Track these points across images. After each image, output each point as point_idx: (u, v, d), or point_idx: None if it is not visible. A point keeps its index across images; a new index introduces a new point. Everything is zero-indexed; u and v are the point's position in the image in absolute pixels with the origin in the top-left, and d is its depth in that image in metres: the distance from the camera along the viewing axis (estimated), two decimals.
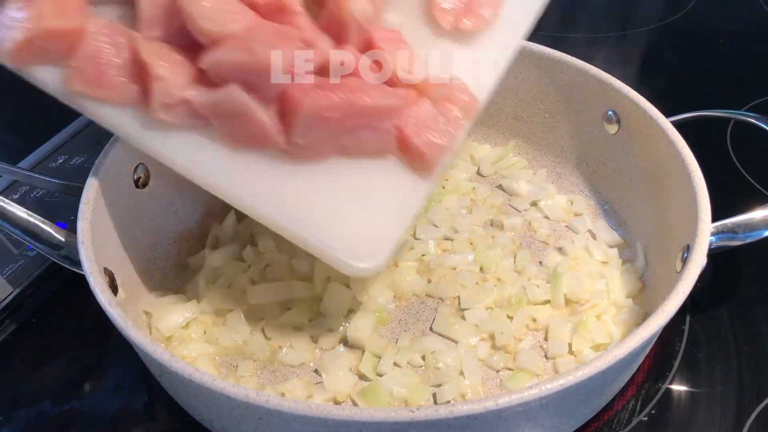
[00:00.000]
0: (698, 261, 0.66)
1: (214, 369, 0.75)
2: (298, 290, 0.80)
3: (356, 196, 0.68)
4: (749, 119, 0.88)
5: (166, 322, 0.76)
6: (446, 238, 0.88)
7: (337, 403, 0.71)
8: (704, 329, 0.81)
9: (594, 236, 0.89)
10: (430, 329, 0.79)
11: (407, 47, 0.71)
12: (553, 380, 0.56)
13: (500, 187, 0.97)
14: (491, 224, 0.92)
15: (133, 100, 0.67)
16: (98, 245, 0.72)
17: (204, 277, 0.82)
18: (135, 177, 0.83)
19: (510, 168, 0.99)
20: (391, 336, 0.78)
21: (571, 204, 0.93)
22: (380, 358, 0.75)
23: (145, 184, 0.85)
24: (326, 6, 0.68)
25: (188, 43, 0.65)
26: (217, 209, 0.90)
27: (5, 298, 0.83)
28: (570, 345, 0.76)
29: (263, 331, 0.77)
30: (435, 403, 0.71)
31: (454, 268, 0.84)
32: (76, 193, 0.75)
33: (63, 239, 0.74)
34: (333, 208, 0.67)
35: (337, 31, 0.68)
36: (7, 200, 0.74)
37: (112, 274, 0.74)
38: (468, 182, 0.97)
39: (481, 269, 0.84)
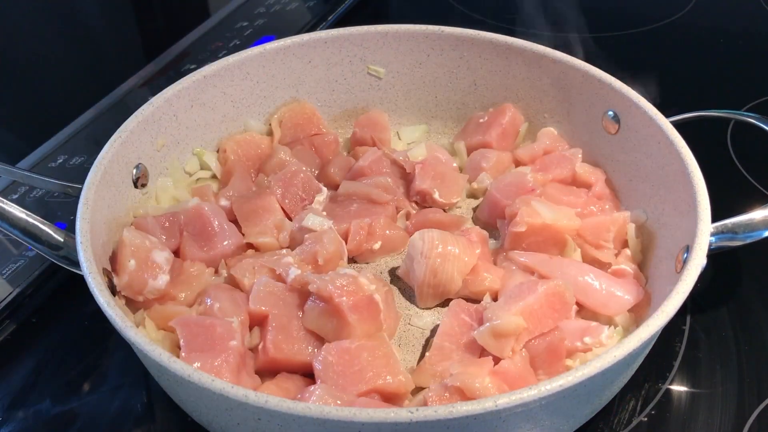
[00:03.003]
0: (698, 261, 0.66)
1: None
2: None
3: None
4: (749, 119, 0.88)
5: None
6: None
7: None
8: (704, 329, 0.81)
9: None
10: None
11: None
12: (553, 381, 0.56)
13: None
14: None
15: None
16: (97, 246, 0.72)
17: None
18: (134, 177, 0.83)
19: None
20: None
21: None
22: None
23: (143, 184, 0.85)
24: None
25: None
26: None
27: (5, 298, 0.82)
28: None
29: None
30: None
31: None
32: (76, 193, 0.75)
33: (62, 240, 0.74)
34: None
35: None
36: (6, 200, 0.74)
37: (111, 274, 0.74)
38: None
39: None
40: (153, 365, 0.66)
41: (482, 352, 0.71)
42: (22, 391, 0.77)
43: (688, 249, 0.69)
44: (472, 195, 0.95)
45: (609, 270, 0.80)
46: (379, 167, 0.91)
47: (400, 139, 1.04)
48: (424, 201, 0.92)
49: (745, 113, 0.90)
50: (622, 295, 0.76)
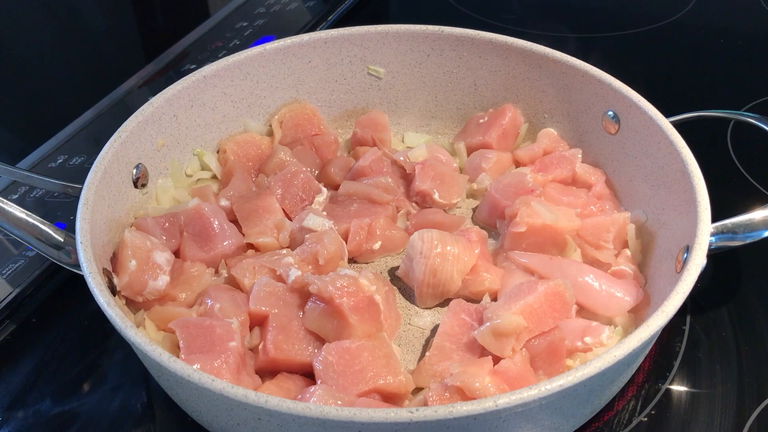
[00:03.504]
0: (698, 261, 0.66)
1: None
2: None
3: None
4: (749, 119, 0.87)
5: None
6: None
7: None
8: (704, 329, 0.81)
9: None
10: None
11: None
12: (553, 380, 0.56)
13: None
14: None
15: None
16: (97, 246, 0.72)
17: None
18: (134, 177, 0.83)
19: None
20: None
21: None
22: None
23: (144, 185, 0.85)
24: None
25: None
26: None
27: (5, 298, 0.82)
28: None
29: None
30: None
31: None
32: (76, 194, 0.75)
33: (62, 240, 0.74)
34: None
35: None
36: (6, 200, 0.74)
37: (111, 274, 0.74)
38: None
39: None
40: (153, 365, 0.66)
41: (482, 352, 0.71)
42: (22, 391, 0.77)
43: (688, 249, 0.69)
44: (472, 195, 0.95)
45: (609, 270, 0.80)
46: (380, 167, 0.92)
47: (403, 142, 1.04)
48: (424, 201, 0.92)
49: (745, 113, 0.90)
50: (621, 296, 0.76)
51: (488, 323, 0.69)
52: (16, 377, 0.78)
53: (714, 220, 0.71)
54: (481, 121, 0.98)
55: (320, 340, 0.72)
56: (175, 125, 0.89)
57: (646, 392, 0.75)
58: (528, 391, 0.55)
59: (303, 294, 0.74)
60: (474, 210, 0.93)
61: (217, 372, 0.64)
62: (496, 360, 0.69)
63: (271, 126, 0.99)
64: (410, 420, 0.54)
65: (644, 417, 0.73)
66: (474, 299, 0.78)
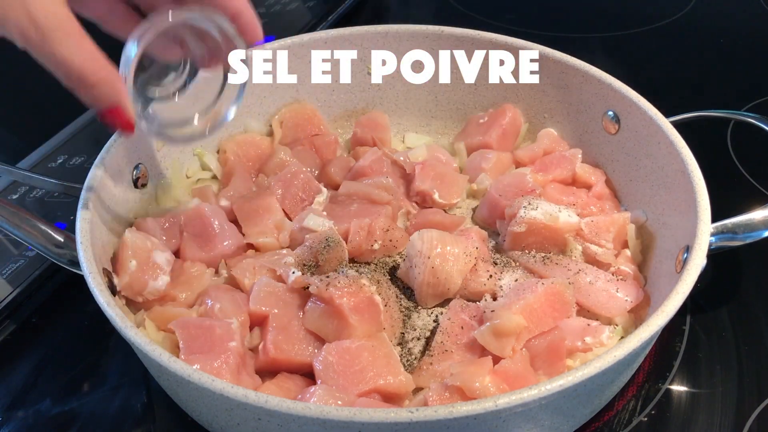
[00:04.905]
0: (698, 261, 0.66)
1: None
2: None
3: None
4: (749, 119, 0.88)
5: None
6: None
7: None
8: (704, 329, 0.81)
9: None
10: None
11: None
12: (553, 380, 0.56)
13: None
14: None
15: None
16: (97, 246, 0.72)
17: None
18: (134, 177, 0.83)
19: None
20: None
21: None
22: None
23: (144, 185, 0.85)
24: None
25: None
26: None
27: (5, 298, 0.82)
28: None
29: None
30: None
31: None
32: (76, 194, 0.75)
33: (62, 240, 0.74)
34: None
35: None
36: (6, 200, 0.74)
37: (111, 274, 0.74)
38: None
39: None
40: (153, 365, 0.66)
41: (482, 352, 0.71)
42: (22, 391, 0.77)
43: (688, 249, 0.69)
44: (472, 195, 0.95)
45: (609, 270, 0.80)
46: (380, 167, 0.92)
47: (403, 142, 1.04)
48: (424, 201, 0.92)
49: (745, 113, 0.90)
50: (622, 296, 0.76)
51: (488, 323, 0.69)
52: (16, 377, 0.78)
53: (714, 220, 0.71)
54: (481, 121, 0.98)
55: (320, 340, 0.72)
56: None
57: (646, 392, 0.75)
58: (528, 391, 0.55)
59: (303, 294, 0.74)
60: (474, 210, 0.93)
61: (217, 372, 0.64)
62: (496, 360, 0.69)
63: (271, 126, 0.99)
64: (410, 420, 0.54)
65: (644, 417, 0.73)
66: (474, 299, 0.78)
